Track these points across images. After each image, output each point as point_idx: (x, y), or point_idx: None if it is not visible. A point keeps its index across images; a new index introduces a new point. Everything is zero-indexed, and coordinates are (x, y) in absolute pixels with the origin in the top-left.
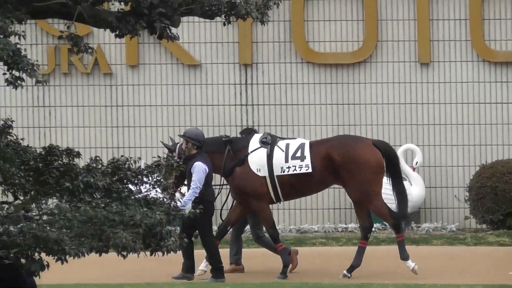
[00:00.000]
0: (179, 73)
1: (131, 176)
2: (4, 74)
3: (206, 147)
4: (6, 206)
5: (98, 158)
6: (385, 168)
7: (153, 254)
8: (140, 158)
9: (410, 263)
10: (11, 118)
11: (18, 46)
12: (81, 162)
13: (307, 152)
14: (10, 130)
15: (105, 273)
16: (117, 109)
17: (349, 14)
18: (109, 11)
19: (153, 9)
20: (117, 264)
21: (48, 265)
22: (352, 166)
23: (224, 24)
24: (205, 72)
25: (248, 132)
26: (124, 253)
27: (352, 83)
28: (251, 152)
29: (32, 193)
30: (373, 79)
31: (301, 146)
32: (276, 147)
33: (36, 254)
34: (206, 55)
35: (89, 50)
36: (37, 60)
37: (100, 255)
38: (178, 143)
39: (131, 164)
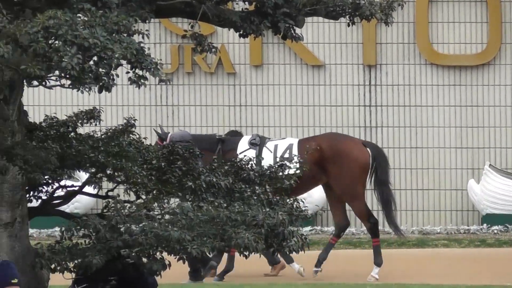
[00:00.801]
0: (303, 74)
1: (254, 176)
2: (127, 73)
3: (199, 144)
4: (128, 205)
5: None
6: (370, 170)
7: (275, 254)
8: (263, 158)
9: (375, 271)
10: (134, 117)
11: (142, 45)
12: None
13: (295, 152)
14: (133, 129)
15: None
16: (240, 109)
17: (473, 16)
18: (233, 10)
19: (278, 9)
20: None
21: (169, 264)
22: (340, 159)
23: (348, 25)
24: (329, 73)
25: (234, 135)
26: (246, 253)
27: (475, 85)
28: (239, 153)
29: (154, 192)
30: (496, 81)
31: (289, 147)
32: (264, 148)
33: (158, 253)
34: (330, 56)
35: (213, 50)
36: (160, 59)
37: (222, 254)
38: (169, 132)
39: (254, 164)
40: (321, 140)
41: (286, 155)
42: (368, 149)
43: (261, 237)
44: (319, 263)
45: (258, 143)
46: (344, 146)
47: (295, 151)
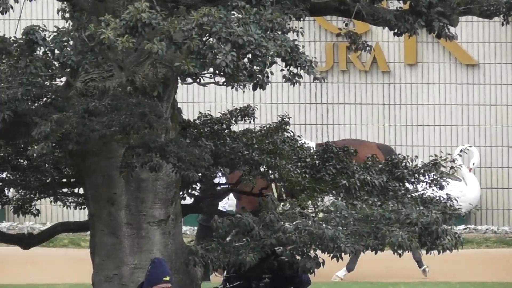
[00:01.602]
0: (457, 73)
1: (407, 174)
2: (282, 70)
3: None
4: (282, 203)
5: (374, 156)
6: None
7: (429, 253)
8: (417, 157)
9: (342, 273)
10: (288, 115)
11: (296, 42)
12: None
13: None
14: (287, 127)
15: (381, 270)
16: (394, 107)
17: None
18: (388, 9)
19: (432, 8)
20: (391, 261)
21: (323, 263)
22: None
23: (503, 24)
24: (483, 72)
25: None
26: (400, 251)
27: None
28: None
29: (308, 190)
30: None
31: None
32: None
33: (311, 251)
34: (484, 55)
35: (368, 48)
36: (315, 57)
37: (376, 253)
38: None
39: (408, 162)
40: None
41: None
42: (382, 152)
43: (415, 236)
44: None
45: None
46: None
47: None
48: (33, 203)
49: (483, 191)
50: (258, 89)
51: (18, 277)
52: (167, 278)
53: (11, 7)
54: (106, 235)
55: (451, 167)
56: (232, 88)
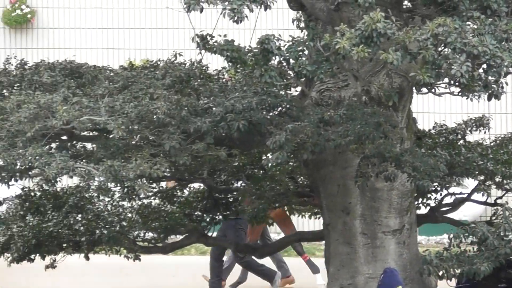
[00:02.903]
0: None
1: None
2: None
3: None
4: None
5: None
6: None
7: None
8: None
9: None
10: None
11: None
12: None
13: None
14: None
15: None
16: None
17: None
18: None
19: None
20: None
21: None
22: None
23: None
24: None
25: None
26: None
27: None
28: None
29: None
30: None
31: None
32: None
33: None
34: None
35: None
36: None
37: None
38: None
39: None
40: None
41: None
42: None
43: None
44: None
45: None
46: None
47: None
48: (267, 212)
49: None
50: (493, 99)
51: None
52: None
53: (246, 17)
54: (341, 245)
55: None
56: (467, 98)
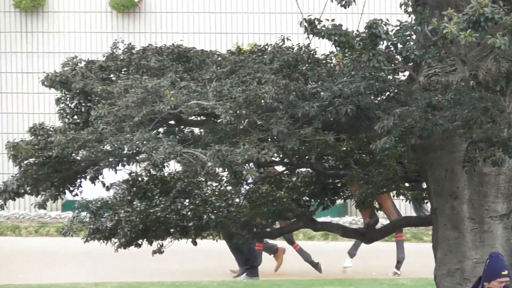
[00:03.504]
0: None
1: None
2: None
3: None
4: None
5: None
6: None
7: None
8: None
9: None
10: None
11: None
12: None
13: None
14: None
15: None
16: None
17: None
18: None
19: None
20: None
21: None
22: None
23: None
24: None
25: None
26: None
27: None
28: None
29: None
30: None
31: None
32: None
33: None
34: None
35: None
36: None
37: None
38: None
39: None
40: None
41: None
42: None
43: None
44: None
45: None
46: None
47: None
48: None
49: None
50: None
51: (360, 272)
52: (506, 272)
53: (354, 1)
54: (448, 230)
55: None
56: None
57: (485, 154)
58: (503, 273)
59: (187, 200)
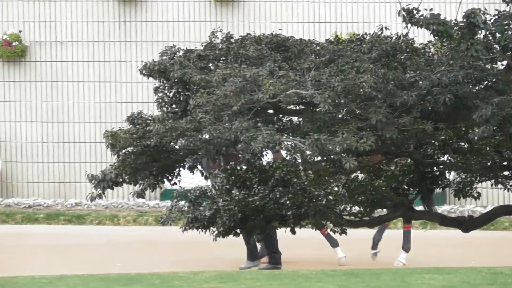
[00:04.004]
0: None
1: None
2: None
3: None
4: None
5: None
6: None
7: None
8: None
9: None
10: None
11: None
12: None
13: None
14: None
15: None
16: None
17: None
18: None
19: None
20: None
21: None
22: None
23: None
24: None
25: None
26: None
27: None
28: None
29: None
30: None
31: None
32: None
33: None
34: None
35: None
36: None
37: None
38: None
39: None
40: None
41: None
42: None
43: None
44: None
45: None
46: None
47: None
48: (473, 186)
49: None
50: None
51: (459, 261)
52: None
53: None
54: None
55: None
56: None
57: None
58: None
59: (285, 189)
